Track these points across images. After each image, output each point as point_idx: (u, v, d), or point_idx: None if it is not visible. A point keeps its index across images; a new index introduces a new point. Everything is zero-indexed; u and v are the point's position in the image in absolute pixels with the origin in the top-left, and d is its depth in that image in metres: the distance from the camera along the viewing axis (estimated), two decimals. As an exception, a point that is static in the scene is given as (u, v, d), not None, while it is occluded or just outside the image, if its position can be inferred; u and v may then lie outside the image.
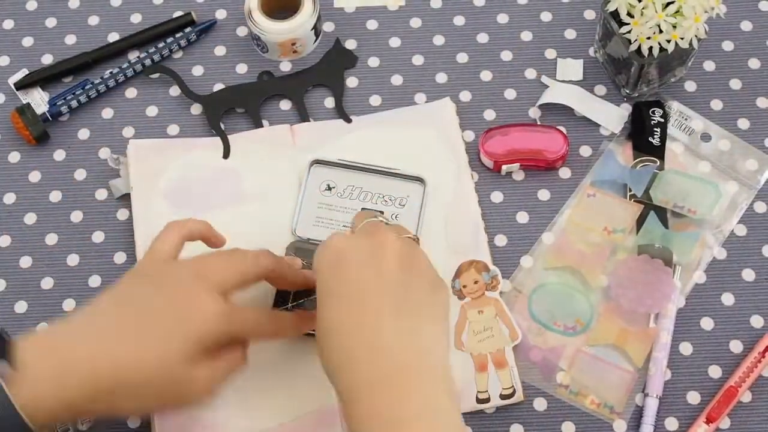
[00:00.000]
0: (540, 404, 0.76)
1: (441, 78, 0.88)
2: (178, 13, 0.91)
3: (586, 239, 0.80)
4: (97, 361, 0.62)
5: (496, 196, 0.83)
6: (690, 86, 0.87)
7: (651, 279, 0.78)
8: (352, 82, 0.88)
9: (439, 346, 0.63)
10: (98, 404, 0.62)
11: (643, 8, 0.78)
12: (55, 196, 0.84)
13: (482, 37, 0.90)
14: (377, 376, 0.60)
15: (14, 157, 0.86)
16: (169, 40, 0.89)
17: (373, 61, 0.89)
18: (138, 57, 0.89)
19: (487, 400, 0.75)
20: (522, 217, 0.83)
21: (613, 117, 0.86)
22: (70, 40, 0.91)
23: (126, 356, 0.62)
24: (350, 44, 0.90)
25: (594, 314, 0.78)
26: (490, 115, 0.86)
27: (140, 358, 0.62)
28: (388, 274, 0.63)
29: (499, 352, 0.76)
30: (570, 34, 0.89)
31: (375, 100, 0.87)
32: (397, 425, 0.58)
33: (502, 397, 0.75)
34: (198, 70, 0.89)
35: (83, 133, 0.87)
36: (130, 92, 0.88)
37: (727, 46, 0.89)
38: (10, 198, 0.84)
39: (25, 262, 0.82)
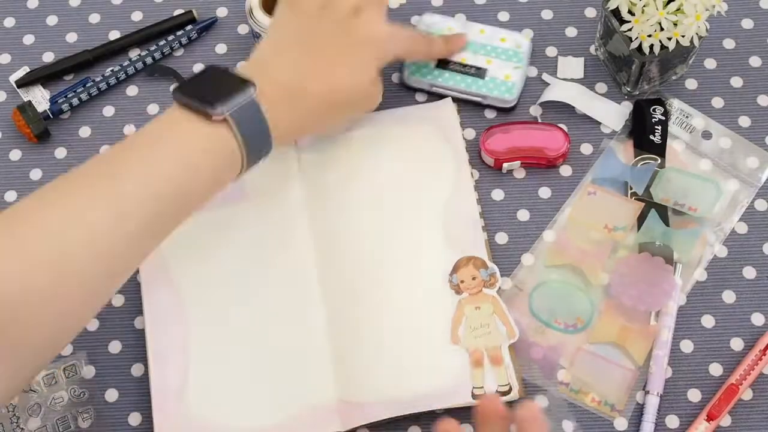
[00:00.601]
0: (540, 401, 0.76)
1: (442, 76, 0.88)
2: (178, 11, 0.91)
3: (587, 237, 0.80)
4: (316, 86, 0.74)
5: (497, 194, 0.83)
6: (691, 84, 0.87)
7: (652, 277, 0.78)
8: (353, 80, 0.88)
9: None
10: (316, 121, 0.77)
11: (644, 6, 0.78)
12: (56, 193, 0.84)
13: (483, 35, 0.90)
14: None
15: (15, 155, 0.86)
16: (170, 38, 0.89)
17: (374, 59, 0.89)
18: (139, 55, 0.89)
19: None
20: (523, 215, 0.83)
21: (613, 115, 0.86)
22: (71, 37, 0.91)
23: (338, 82, 0.76)
24: (351, 42, 0.90)
25: (595, 312, 0.78)
26: (491, 112, 0.86)
27: (348, 83, 0.76)
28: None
29: (495, 349, 0.76)
30: (571, 31, 0.89)
31: (376, 97, 0.87)
32: None
33: (498, 393, 0.75)
34: (199, 68, 0.89)
35: (84, 131, 0.87)
36: (132, 90, 0.88)
37: (728, 44, 0.89)
38: (11, 196, 0.84)
39: (27, 259, 0.82)
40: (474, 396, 0.75)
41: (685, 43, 0.78)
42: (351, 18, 0.76)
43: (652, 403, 0.75)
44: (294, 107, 0.73)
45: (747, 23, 0.89)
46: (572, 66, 0.88)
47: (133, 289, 0.80)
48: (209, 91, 0.69)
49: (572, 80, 0.87)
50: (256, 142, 0.70)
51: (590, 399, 0.76)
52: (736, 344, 0.78)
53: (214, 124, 0.68)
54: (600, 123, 0.86)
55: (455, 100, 0.86)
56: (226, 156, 0.69)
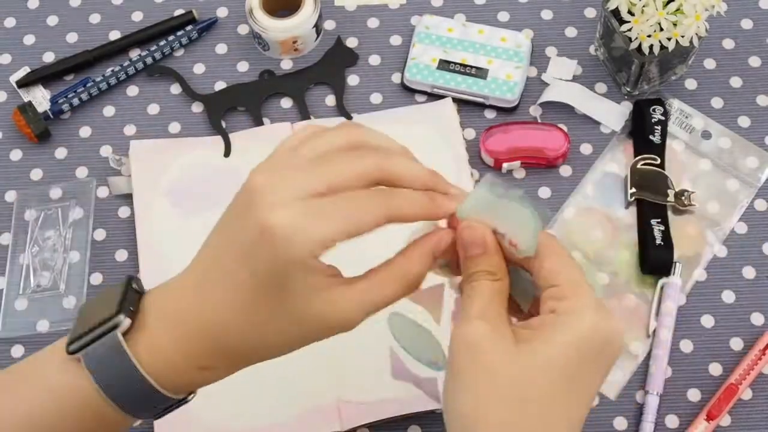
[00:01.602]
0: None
1: (442, 76, 0.88)
2: (179, 12, 0.91)
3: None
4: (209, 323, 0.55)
5: (497, 194, 0.83)
6: (690, 84, 0.87)
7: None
8: (353, 80, 0.88)
9: None
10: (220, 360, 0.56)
11: (643, 6, 0.78)
12: (56, 193, 0.84)
13: (483, 36, 0.90)
14: None
15: (16, 154, 0.86)
16: (171, 38, 0.89)
17: (374, 59, 0.89)
18: (139, 55, 0.89)
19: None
20: (523, 215, 0.83)
21: (613, 115, 0.86)
22: (72, 38, 0.91)
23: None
24: (351, 42, 0.90)
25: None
26: (491, 112, 0.86)
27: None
28: None
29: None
30: (570, 32, 0.90)
31: (376, 98, 0.87)
32: None
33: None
34: (199, 68, 0.89)
35: (85, 131, 0.87)
36: (132, 90, 0.88)
37: (728, 44, 0.89)
38: (11, 196, 0.84)
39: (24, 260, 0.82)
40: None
41: (685, 43, 0.78)
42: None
43: (652, 403, 0.75)
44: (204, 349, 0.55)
45: (746, 23, 0.89)
46: (565, 66, 0.88)
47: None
48: (82, 318, 0.55)
49: (563, 81, 0.87)
50: (124, 390, 0.53)
51: None
52: (736, 344, 0.78)
53: (73, 363, 0.54)
54: (600, 123, 0.86)
55: (455, 100, 0.86)
56: (82, 404, 0.54)
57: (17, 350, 0.79)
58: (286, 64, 0.89)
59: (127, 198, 0.84)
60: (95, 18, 0.91)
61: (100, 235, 0.83)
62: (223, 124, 0.86)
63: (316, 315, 0.53)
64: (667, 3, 0.78)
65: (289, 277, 0.51)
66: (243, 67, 0.89)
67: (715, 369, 0.77)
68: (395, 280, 0.55)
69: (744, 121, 0.85)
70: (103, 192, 0.84)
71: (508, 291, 0.54)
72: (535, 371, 0.49)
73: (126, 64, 0.88)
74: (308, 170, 0.51)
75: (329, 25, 0.91)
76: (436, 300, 0.62)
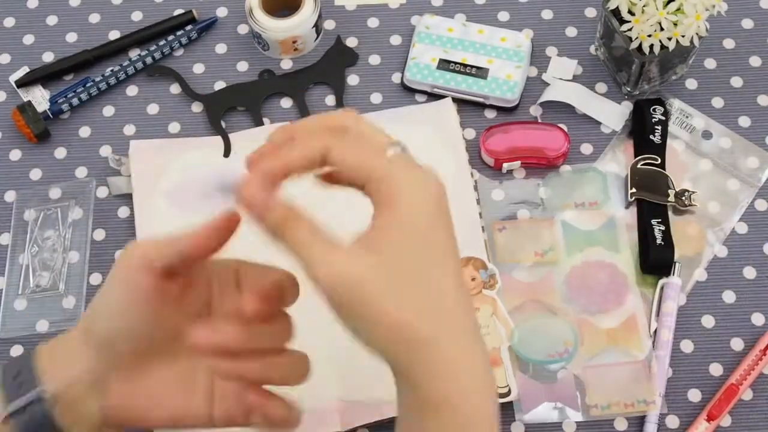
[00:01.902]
0: (544, 409, 0.76)
1: (442, 76, 0.88)
2: (178, 11, 0.91)
3: (525, 270, 0.80)
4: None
5: (497, 194, 0.83)
6: (691, 84, 0.87)
7: (600, 278, 0.79)
8: (353, 80, 0.88)
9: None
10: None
11: (644, 6, 0.78)
12: (56, 193, 0.84)
13: (483, 35, 0.90)
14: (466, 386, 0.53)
15: (15, 154, 0.86)
16: (170, 38, 0.89)
17: (374, 59, 0.89)
18: (139, 55, 0.89)
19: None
20: (523, 215, 0.83)
21: (614, 115, 0.86)
22: (71, 37, 0.91)
23: None
24: (351, 42, 0.90)
25: (575, 330, 0.78)
26: (491, 112, 0.86)
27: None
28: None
29: (494, 350, 0.76)
30: (571, 31, 0.89)
31: (376, 98, 0.87)
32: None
33: (498, 395, 0.75)
34: (199, 68, 0.89)
35: (84, 131, 0.87)
36: (131, 90, 0.88)
37: (728, 43, 0.89)
38: (11, 196, 0.84)
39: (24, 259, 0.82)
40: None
41: (685, 43, 0.78)
42: None
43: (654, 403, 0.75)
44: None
45: (747, 23, 0.89)
46: (565, 66, 0.88)
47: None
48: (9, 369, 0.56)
49: (564, 80, 0.87)
50: None
51: (623, 406, 0.75)
52: (737, 344, 0.78)
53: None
54: (600, 123, 0.86)
55: (455, 99, 0.86)
56: None
57: (17, 350, 0.79)
58: (286, 64, 0.89)
59: (127, 198, 0.83)
60: (95, 18, 0.91)
61: (99, 235, 0.83)
62: (223, 124, 0.86)
63: None
64: (668, 3, 0.78)
65: None
66: (243, 66, 0.89)
67: (716, 369, 0.77)
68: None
69: (744, 121, 0.85)
70: (102, 192, 0.84)
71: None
72: (399, 259, 0.52)
73: (125, 63, 0.88)
74: None
75: (329, 24, 0.90)
76: None
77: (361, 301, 0.52)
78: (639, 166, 0.82)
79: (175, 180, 0.83)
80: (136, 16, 0.91)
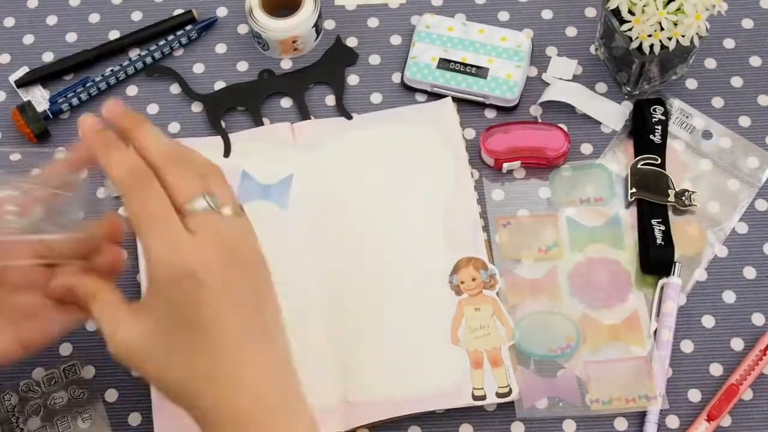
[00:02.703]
0: (542, 403, 0.76)
1: (442, 76, 0.88)
2: (178, 11, 0.91)
3: (529, 267, 0.80)
4: None
5: (497, 194, 0.83)
6: (691, 84, 0.87)
7: (603, 275, 0.79)
8: (353, 79, 0.88)
9: (286, 351, 0.60)
10: None
11: (644, 6, 0.78)
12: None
13: (483, 35, 0.90)
14: (243, 416, 0.57)
15: (15, 155, 0.86)
16: (170, 37, 0.89)
17: (374, 59, 0.89)
18: (139, 55, 0.89)
19: (483, 398, 0.75)
20: (523, 215, 0.83)
21: (614, 115, 0.86)
22: (71, 37, 0.91)
23: None
24: (351, 42, 0.90)
25: (577, 325, 0.78)
26: (491, 112, 0.86)
27: None
28: (245, 294, 0.58)
29: (495, 350, 0.76)
30: (571, 31, 0.89)
31: (376, 97, 0.87)
32: None
33: (498, 395, 0.75)
34: (199, 68, 0.89)
35: (84, 131, 0.87)
36: (131, 90, 0.88)
37: (728, 43, 0.89)
38: (10, 196, 0.84)
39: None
40: (474, 397, 0.75)
41: (685, 42, 0.78)
42: None
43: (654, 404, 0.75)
44: None
45: (747, 23, 0.89)
46: (565, 66, 0.88)
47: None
48: None
49: (564, 80, 0.87)
50: None
51: (624, 401, 0.75)
52: (737, 344, 0.78)
53: None
54: (600, 123, 0.86)
55: (455, 99, 0.86)
56: None
57: (17, 351, 0.79)
58: (286, 64, 0.89)
59: (127, 198, 0.83)
60: (94, 18, 0.91)
61: (99, 235, 0.83)
62: (223, 124, 0.86)
63: None
64: (668, 2, 0.78)
65: None
66: (243, 66, 0.89)
67: (716, 369, 0.77)
68: None
69: (745, 121, 0.85)
70: (102, 192, 0.84)
71: (110, 288, 0.62)
72: (165, 326, 0.57)
73: (125, 63, 0.88)
74: None
75: (329, 24, 0.90)
76: None
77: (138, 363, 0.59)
78: (639, 166, 0.82)
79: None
80: (136, 15, 0.91)
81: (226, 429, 0.57)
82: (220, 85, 0.88)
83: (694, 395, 0.77)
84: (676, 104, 0.85)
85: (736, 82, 0.87)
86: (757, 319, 0.79)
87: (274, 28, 0.86)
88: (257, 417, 0.57)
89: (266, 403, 0.57)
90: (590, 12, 0.90)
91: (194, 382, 0.57)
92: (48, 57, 0.90)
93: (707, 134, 0.85)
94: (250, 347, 0.57)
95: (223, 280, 0.56)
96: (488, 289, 0.78)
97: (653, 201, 0.81)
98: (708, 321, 0.79)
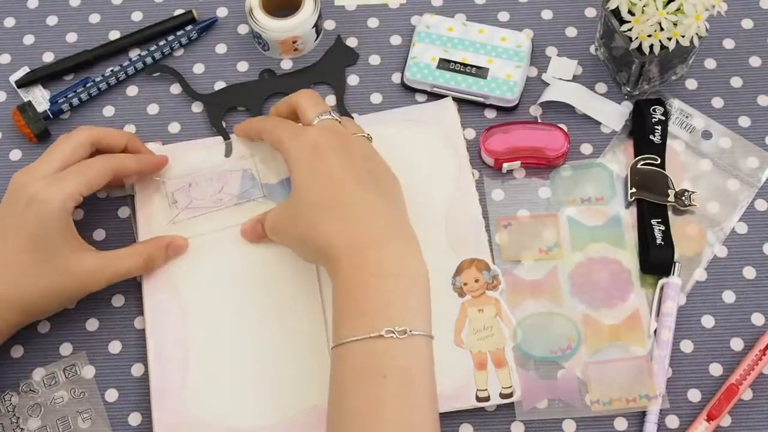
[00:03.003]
0: (542, 404, 0.76)
1: (442, 76, 0.88)
2: (179, 11, 0.91)
3: (530, 267, 0.80)
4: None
5: (497, 194, 0.83)
6: (691, 84, 0.87)
7: (604, 275, 0.79)
8: (353, 80, 0.88)
9: (406, 217, 0.74)
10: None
11: (644, 6, 0.78)
12: (57, 193, 0.84)
13: (483, 35, 0.90)
14: (358, 240, 0.68)
15: (15, 155, 0.86)
16: (170, 38, 0.89)
17: (374, 59, 0.89)
18: (139, 55, 0.89)
19: (487, 399, 0.75)
20: (523, 215, 0.83)
21: (614, 115, 0.86)
22: (71, 38, 0.91)
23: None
24: (351, 42, 0.90)
25: (578, 326, 0.78)
26: (491, 112, 0.86)
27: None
28: (358, 164, 0.72)
29: (498, 351, 0.76)
30: (571, 31, 0.89)
31: (376, 98, 0.87)
32: (381, 278, 0.67)
33: (502, 396, 0.75)
34: (199, 68, 0.89)
35: (84, 131, 0.87)
36: (131, 90, 0.88)
37: (728, 44, 0.89)
38: (11, 196, 0.84)
39: (27, 259, 0.82)
40: (478, 398, 0.75)
41: (685, 43, 0.78)
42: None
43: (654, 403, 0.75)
44: None
45: (747, 23, 0.89)
46: (565, 66, 0.88)
47: (133, 289, 0.80)
48: None
49: (563, 81, 0.87)
50: None
51: (625, 402, 0.75)
52: (736, 344, 0.78)
53: None
54: (600, 123, 0.86)
55: (455, 99, 0.86)
56: None
57: (17, 351, 0.79)
58: (286, 64, 0.89)
59: (127, 198, 0.83)
60: (95, 18, 0.91)
61: (99, 235, 0.83)
62: (224, 124, 0.86)
63: (70, 269, 0.74)
64: (668, 3, 0.78)
65: (49, 233, 0.73)
66: (243, 66, 0.89)
67: (716, 369, 0.77)
68: (132, 256, 0.77)
69: (744, 121, 0.85)
70: (102, 192, 0.84)
71: None
72: (299, 204, 0.72)
73: (126, 64, 0.88)
74: (48, 160, 0.75)
75: (329, 24, 0.90)
76: None
77: (277, 230, 0.76)
78: (639, 166, 0.82)
79: (176, 180, 0.83)
80: (136, 16, 0.91)
81: (342, 254, 0.68)
82: (220, 85, 0.88)
83: (694, 395, 0.77)
84: (675, 104, 0.85)
85: (736, 82, 0.87)
86: (757, 319, 0.79)
87: (275, 28, 0.86)
88: (371, 241, 0.68)
89: (379, 233, 0.69)
90: (590, 12, 0.90)
91: (321, 225, 0.70)
92: (48, 57, 0.90)
93: (707, 134, 0.85)
94: (367, 196, 0.71)
95: (340, 155, 0.72)
96: (491, 290, 0.78)
97: (653, 201, 0.81)
98: (708, 321, 0.79)
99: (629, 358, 0.77)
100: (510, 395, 0.75)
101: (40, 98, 0.87)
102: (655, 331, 0.77)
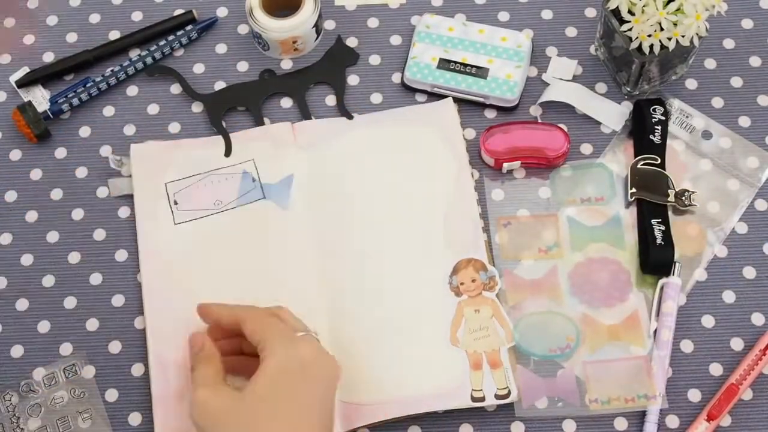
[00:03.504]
0: (541, 402, 0.76)
1: (442, 76, 0.88)
2: (179, 11, 0.91)
3: (530, 267, 0.80)
4: None
5: (497, 194, 0.83)
6: (691, 84, 0.87)
7: (603, 275, 0.79)
8: (353, 80, 0.88)
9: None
10: None
11: (644, 6, 0.78)
12: (57, 193, 0.84)
13: (483, 35, 0.90)
14: None
15: (15, 155, 0.86)
16: (170, 38, 0.89)
17: (374, 59, 0.89)
18: (139, 55, 0.89)
19: (482, 399, 0.75)
20: (523, 215, 0.83)
21: (614, 115, 0.86)
22: (72, 38, 0.91)
23: None
24: (351, 42, 0.90)
25: (577, 325, 0.78)
26: (491, 112, 0.86)
27: None
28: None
29: (494, 352, 0.76)
30: (571, 31, 0.90)
31: (376, 98, 0.87)
32: None
33: (497, 397, 0.75)
34: (199, 68, 0.89)
35: (84, 131, 0.87)
36: (132, 90, 0.88)
37: (728, 44, 0.89)
38: (11, 196, 0.84)
39: (27, 259, 0.82)
40: (473, 399, 0.75)
41: (685, 43, 0.78)
42: None
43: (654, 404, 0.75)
44: None
45: (747, 23, 0.89)
46: (565, 66, 0.88)
47: (133, 289, 0.80)
48: None
49: (563, 81, 0.87)
50: None
51: (623, 401, 0.75)
52: (736, 344, 0.78)
53: None
54: (600, 123, 0.86)
55: (455, 99, 0.86)
56: None
57: (17, 351, 0.79)
58: (287, 64, 0.89)
59: (127, 198, 0.84)
60: (95, 18, 0.91)
61: (99, 235, 0.83)
62: (224, 124, 0.86)
63: None
64: (668, 3, 0.78)
65: None
66: (243, 66, 0.89)
67: (716, 369, 0.77)
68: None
69: (744, 121, 0.85)
70: (102, 192, 0.84)
71: (219, 365, 0.71)
72: (256, 400, 0.66)
73: (126, 63, 0.88)
74: None
75: (329, 24, 0.90)
76: None
77: (214, 426, 0.67)
78: (639, 166, 0.82)
79: (176, 180, 0.83)
80: (137, 16, 0.91)
81: None
82: (220, 85, 0.88)
83: (694, 395, 0.77)
84: (675, 104, 0.85)
85: (736, 82, 0.87)
86: (757, 318, 0.79)
87: (275, 28, 0.86)
88: None
89: None
90: (590, 12, 0.90)
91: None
92: (48, 57, 0.90)
93: (707, 134, 0.85)
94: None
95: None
96: (488, 291, 0.78)
97: (653, 201, 0.81)
98: (708, 321, 0.79)
99: (628, 357, 0.77)
100: (505, 396, 0.75)
101: (40, 98, 0.87)
102: (655, 331, 0.77)
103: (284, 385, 0.67)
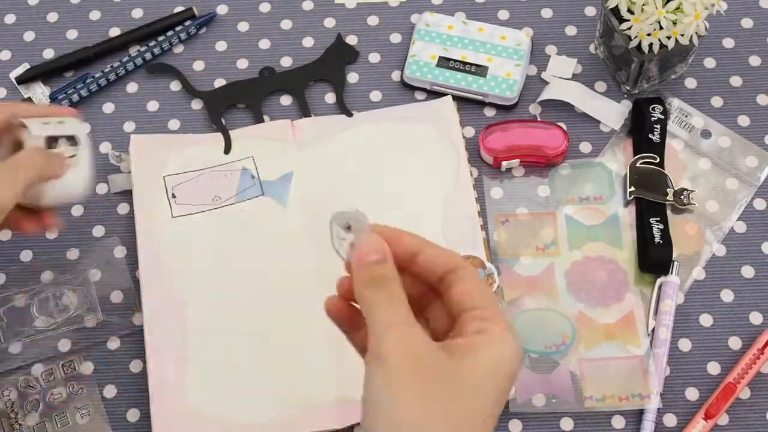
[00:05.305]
0: (537, 399, 0.76)
1: (441, 74, 0.88)
2: (179, 8, 0.91)
3: (527, 264, 0.80)
4: None
5: (496, 192, 0.83)
6: (690, 83, 0.87)
7: (600, 274, 0.79)
8: (352, 77, 0.88)
9: None
10: None
11: (643, 5, 0.78)
12: (56, 190, 0.84)
13: (483, 34, 0.90)
14: None
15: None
16: (170, 33, 0.89)
17: (374, 57, 0.89)
18: (138, 51, 0.89)
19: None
20: (522, 213, 0.83)
21: (613, 114, 0.86)
22: (72, 34, 0.91)
23: None
24: (351, 40, 0.90)
25: (573, 323, 0.78)
26: (490, 110, 0.86)
27: None
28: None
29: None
30: (570, 30, 0.90)
31: (376, 95, 0.87)
32: None
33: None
34: (199, 65, 0.89)
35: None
36: (131, 87, 0.88)
37: (728, 43, 0.89)
38: (10, 192, 0.84)
39: (26, 255, 0.82)
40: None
41: (685, 42, 0.78)
42: None
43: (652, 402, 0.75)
44: None
45: (746, 22, 0.89)
46: (565, 64, 0.88)
47: (131, 284, 0.80)
48: None
49: (562, 79, 0.87)
50: None
51: (618, 399, 0.76)
52: (734, 343, 0.78)
53: None
54: (599, 122, 0.86)
55: (455, 98, 0.86)
56: None
57: (15, 347, 0.79)
58: (286, 62, 0.89)
59: (126, 194, 0.84)
60: (95, 14, 0.91)
61: (99, 231, 0.83)
62: (223, 121, 0.86)
63: None
64: (667, 1, 0.78)
65: None
66: (243, 64, 0.89)
67: (714, 368, 0.77)
68: None
69: (744, 121, 0.85)
70: (101, 189, 0.84)
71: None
72: (470, 388, 0.50)
73: (125, 60, 0.88)
74: None
75: (329, 22, 0.90)
76: None
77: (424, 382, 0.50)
78: (638, 164, 0.82)
79: (176, 176, 0.83)
80: (137, 13, 0.91)
81: None
82: (220, 82, 0.88)
83: (692, 394, 0.77)
84: (675, 103, 0.85)
85: (735, 81, 0.87)
86: (755, 317, 0.79)
87: None
88: None
89: None
90: (590, 11, 0.90)
91: None
92: (48, 54, 0.90)
93: (706, 133, 0.85)
94: None
95: None
96: (486, 288, 0.78)
97: (652, 200, 0.81)
98: (706, 320, 0.79)
99: (624, 356, 0.77)
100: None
101: (40, 95, 0.88)
102: (653, 330, 0.78)
103: (489, 387, 0.51)
